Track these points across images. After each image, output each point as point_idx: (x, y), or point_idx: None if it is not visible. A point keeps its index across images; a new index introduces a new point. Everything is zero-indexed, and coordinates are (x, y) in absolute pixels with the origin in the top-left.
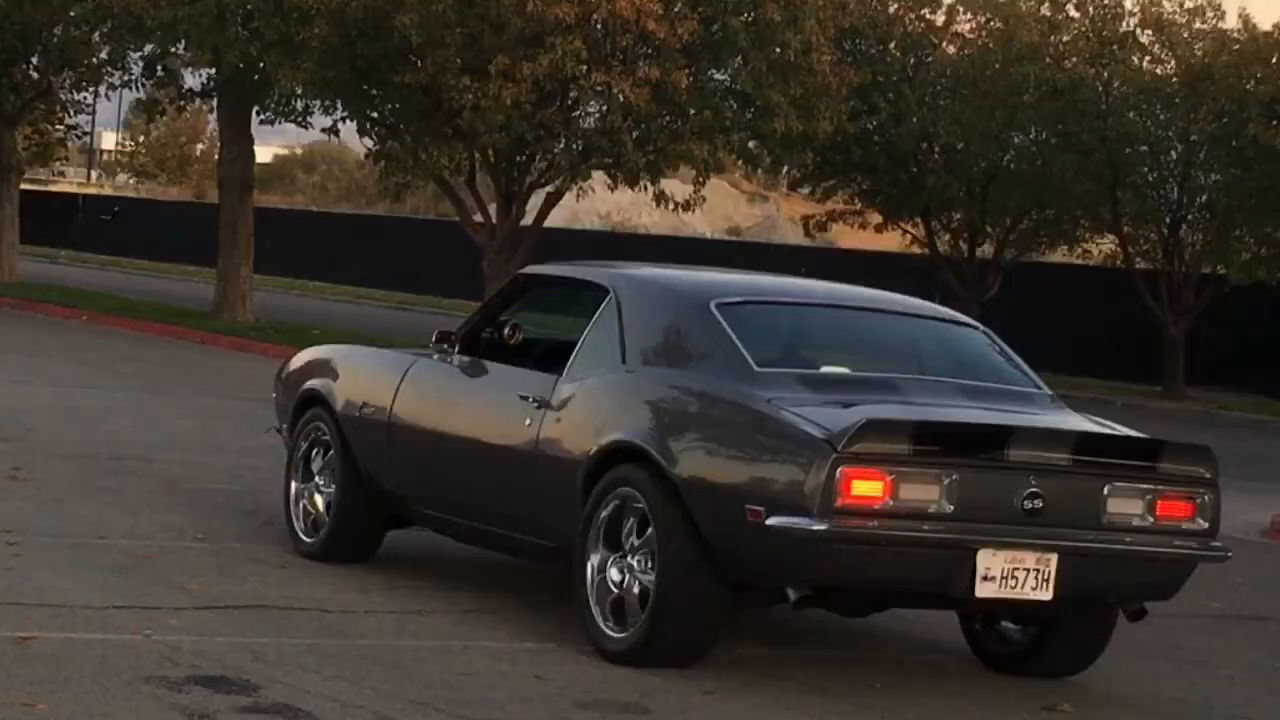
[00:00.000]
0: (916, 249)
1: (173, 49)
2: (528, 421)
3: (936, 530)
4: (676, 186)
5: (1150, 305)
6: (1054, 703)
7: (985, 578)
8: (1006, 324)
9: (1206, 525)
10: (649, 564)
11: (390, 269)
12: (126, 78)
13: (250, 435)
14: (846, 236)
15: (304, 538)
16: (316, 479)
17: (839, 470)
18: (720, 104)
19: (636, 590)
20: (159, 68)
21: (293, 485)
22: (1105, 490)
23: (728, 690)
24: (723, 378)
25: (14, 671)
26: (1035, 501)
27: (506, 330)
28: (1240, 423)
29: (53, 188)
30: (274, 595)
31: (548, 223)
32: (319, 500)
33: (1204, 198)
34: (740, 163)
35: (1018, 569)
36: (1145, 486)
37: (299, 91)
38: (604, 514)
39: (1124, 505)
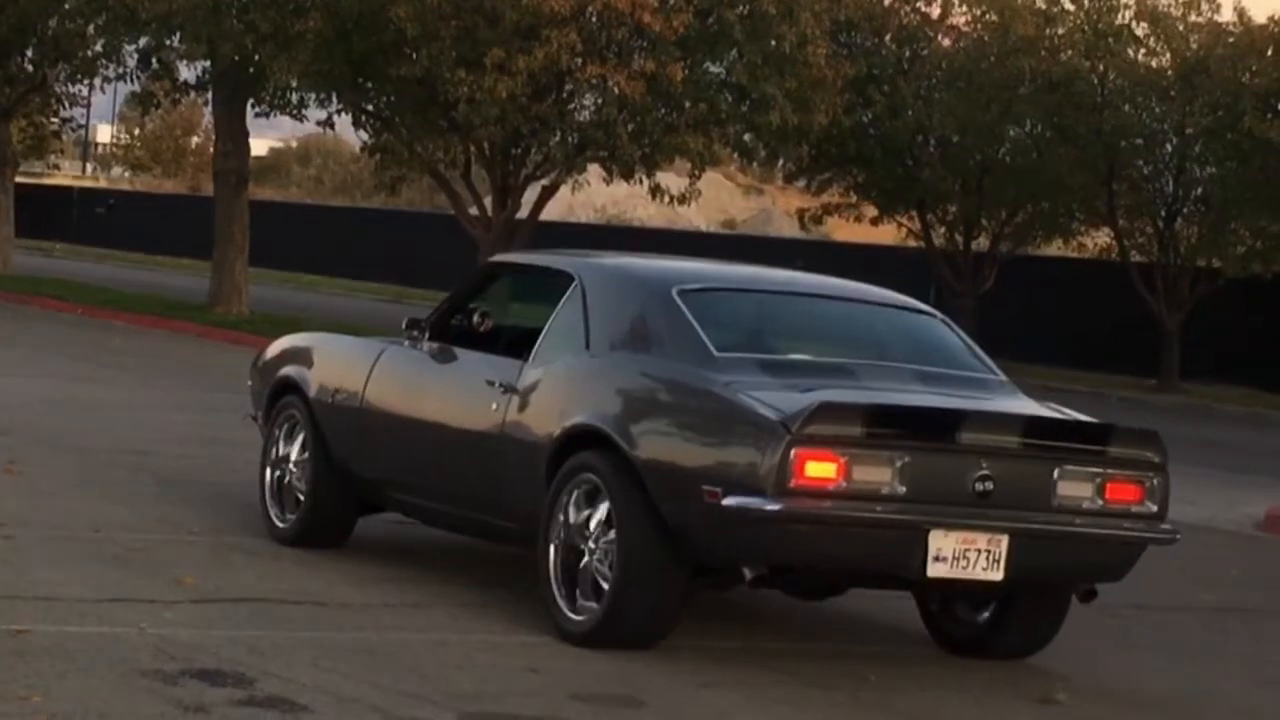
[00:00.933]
0: (912, 242)
1: (167, 41)
2: (494, 406)
3: (889, 511)
4: (672, 179)
5: (1145, 298)
6: (1049, 694)
7: (937, 558)
8: (1001, 317)
9: (1155, 508)
10: (610, 545)
11: (386, 262)
12: (121, 70)
13: (245, 428)
14: (842, 229)
15: (278, 523)
16: (291, 465)
17: (793, 452)
18: (715, 97)
19: (597, 571)
20: (154, 60)
21: (268, 471)
22: (1055, 473)
23: (723, 683)
24: (683, 362)
25: (9, 664)
26: (986, 484)
27: (475, 317)
28: (1235, 415)
29: (47, 181)
30: (269, 588)
31: (543, 216)
32: (293, 486)
33: (1199, 191)
34: (735, 156)
35: (969, 550)
36: (1095, 470)
37: (294, 84)
38: (566, 496)
39: (1074, 488)
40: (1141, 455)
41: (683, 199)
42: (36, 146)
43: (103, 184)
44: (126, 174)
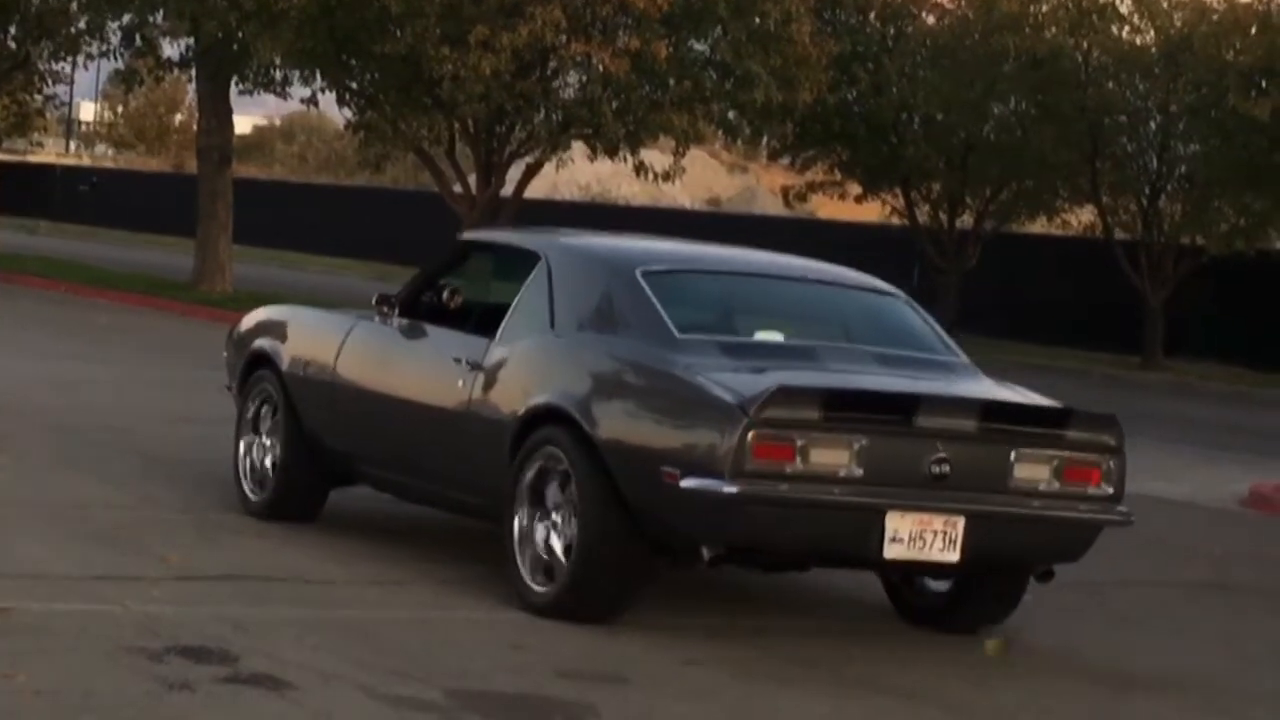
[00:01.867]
0: (896, 220)
1: (151, 18)
2: (460, 383)
3: (846, 493)
4: (656, 157)
5: (1129, 276)
6: (1029, 673)
7: (894, 539)
8: (986, 295)
9: (1112, 490)
10: (571, 522)
11: (370, 240)
12: (105, 47)
13: (229, 406)
14: (826, 207)
15: (251, 496)
16: (264, 438)
17: (750, 435)
18: (700, 74)
19: (559, 547)
20: (137, 37)
21: (241, 444)
22: (1012, 456)
23: (707, 660)
24: (645, 343)
25: None
26: (943, 467)
27: (445, 294)
28: (1218, 393)
29: (31, 158)
30: (254, 565)
31: (527, 194)
32: (266, 459)
33: (1183, 168)
34: (720, 133)
35: (925, 531)
36: (1052, 453)
37: (278, 62)
38: (530, 473)
39: (1031, 471)
40: (1098, 439)
41: (667, 177)
42: (19, 124)
43: (86, 162)
44: (110, 152)
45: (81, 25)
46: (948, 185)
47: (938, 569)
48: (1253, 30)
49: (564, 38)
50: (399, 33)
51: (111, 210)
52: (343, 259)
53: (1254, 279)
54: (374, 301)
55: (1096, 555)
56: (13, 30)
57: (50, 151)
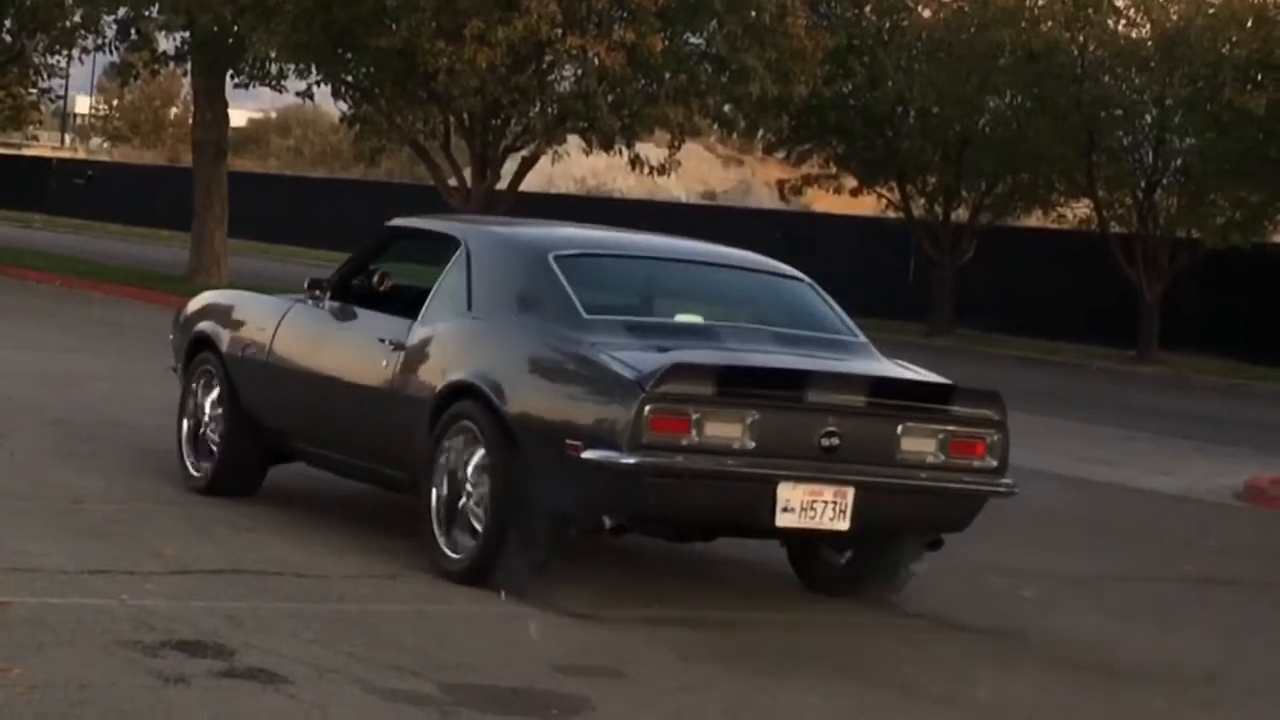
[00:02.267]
0: (891, 213)
1: (146, 12)
2: (384, 362)
3: (738, 465)
4: (651, 150)
5: (1125, 269)
6: (1025, 666)
7: (785, 509)
8: (981, 288)
9: (995, 463)
10: (484, 492)
11: (364, 233)
12: (100, 41)
13: None
14: (821, 200)
15: (193, 471)
16: (206, 416)
17: (646, 409)
18: (695, 68)
19: (472, 517)
20: (133, 31)
21: (184, 422)
22: (899, 430)
23: (703, 654)
24: (554, 323)
25: None
26: (832, 440)
27: (374, 278)
28: (1214, 386)
29: (26, 152)
30: (249, 559)
31: (523, 187)
32: (208, 436)
33: (1179, 162)
34: (715, 127)
35: (816, 501)
36: (937, 427)
37: (273, 55)
38: (446, 446)
39: (917, 444)
40: (982, 414)
41: (662, 170)
42: (15, 117)
43: (82, 155)
44: (105, 145)
45: (77, 19)
46: (943, 179)
47: (828, 537)
48: (1248, 24)
49: (559, 31)
50: (394, 26)
51: (107, 203)
52: (339, 252)
53: (1250, 272)
54: (306, 286)
55: (1092, 548)
56: (8, 24)
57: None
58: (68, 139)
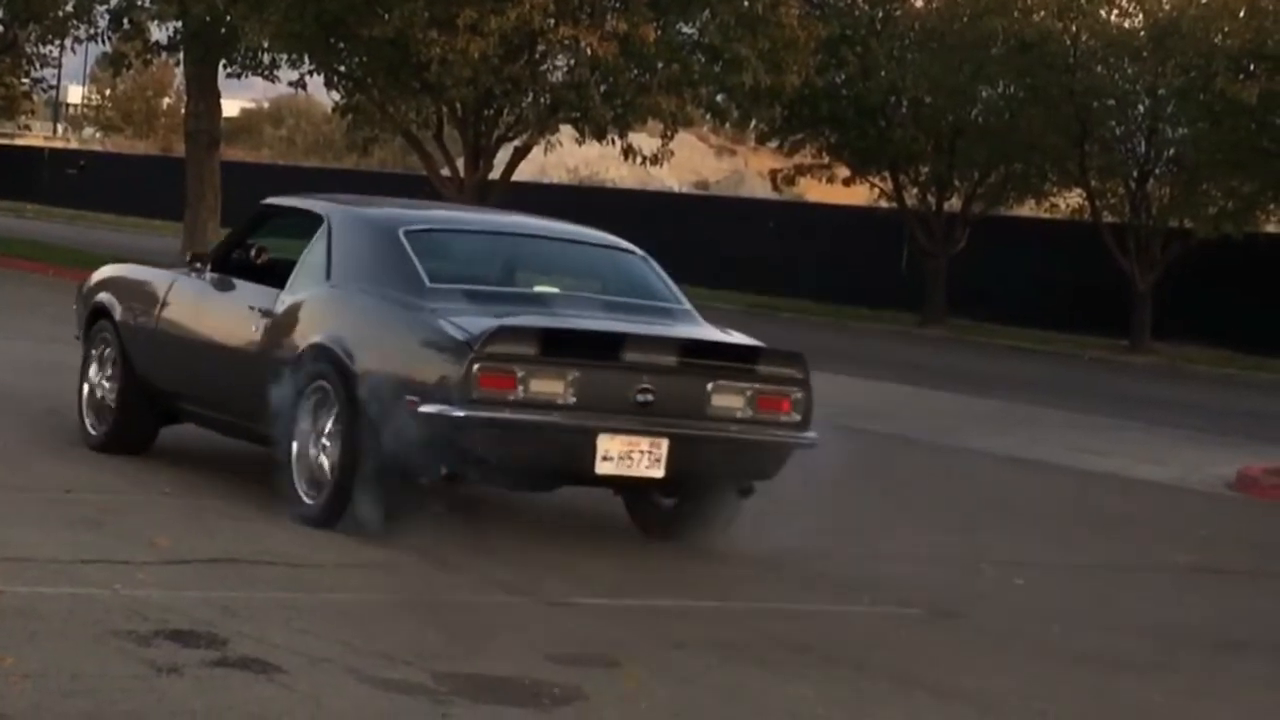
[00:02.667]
0: (884, 203)
1: (139, 2)
2: (254, 328)
3: (561, 418)
4: (644, 140)
5: (1117, 259)
6: (1017, 655)
7: (605, 458)
8: (974, 278)
9: (799, 418)
10: (336, 444)
11: None
12: (92, 31)
13: None
14: (814, 190)
15: (91, 431)
16: (103, 380)
17: (474, 367)
18: (688, 58)
19: (326, 465)
20: (125, 21)
21: (84, 386)
22: (710, 387)
23: (697, 643)
24: (401, 292)
25: None
26: (647, 395)
27: (250, 252)
28: (1206, 376)
29: (18, 141)
30: (242, 549)
31: (515, 177)
32: (105, 399)
33: (1171, 151)
34: (708, 117)
35: (633, 451)
36: (745, 385)
37: (266, 45)
38: (305, 403)
39: (726, 400)
40: (786, 373)
41: (655, 160)
42: (7, 107)
43: (74, 145)
44: (98, 134)
45: (69, 8)
46: (936, 168)
47: (646, 484)
48: (1241, 14)
49: (552, 21)
50: (387, 16)
51: (99, 193)
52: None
53: (1242, 262)
54: (188, 259)
55: (1084, 537)
56: (0, 14)
57: (38, 135)
58: (60, 129)
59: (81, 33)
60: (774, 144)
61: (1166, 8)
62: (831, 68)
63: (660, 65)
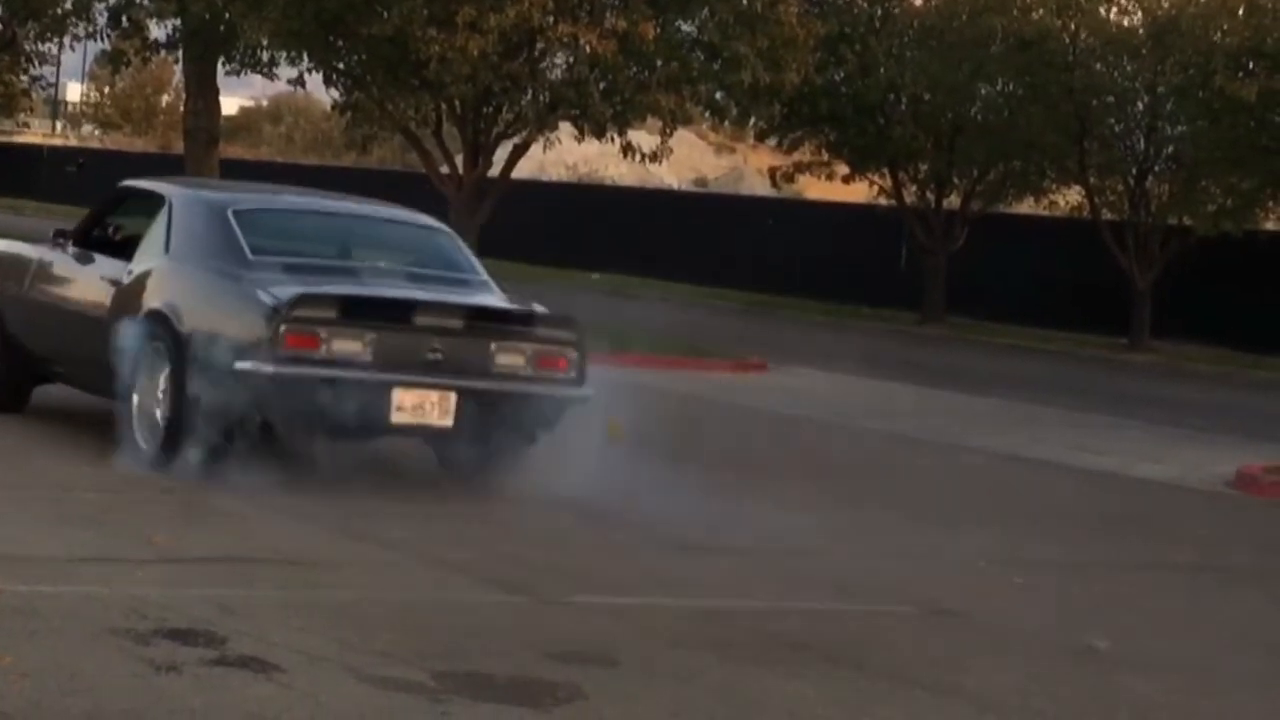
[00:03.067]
0: (883, 200)
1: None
2: (105, 297)
3: (359, 374)
4: (643, 138)
5: (1116, 257)
6: (1016, 654)
7: (399, 409)
8: (973, 276)
9: (575, 375)
10: (168, 398)
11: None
12: (91, 28)
13: None
14: (813, 188)
15: None
16: None
17: (281, 328)
18: (687, 55)
19: (160, 416)
20: (124, 18)
21: None
22: (493, 347)
23: (695, 642)
24: (226, 264)
25: None
26: (437, 354)
27: (106, 229)
28: (1205, 374)
29: (17, 139)
30: (241, 547)
31: (514, 174)
32: None
33: (1170, 149)
34: (707, 114)
35: (425, 403)
36: (525, 345)
37: (265, 43)
38: (144, 362)
39: (509, 358)
40: (562, 335)
41: (654, 157)
42: (6, 105)
43: (73, 142)
44: (97, 132)
45: (68, 6)
46: (935, 166)
47: (437, 432)
48: (1240, 12)
49: (551, 19)
50: (386, 14)
51: (98, 191)
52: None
53: (1241, 259)
54: (52, 235)
55: (1083, 536)
56: None
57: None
58: (59, 126)
59: (80, 30)
60: (773, 142)
61: (1165, 5)
62: (831, 65)
63: (659, 63)
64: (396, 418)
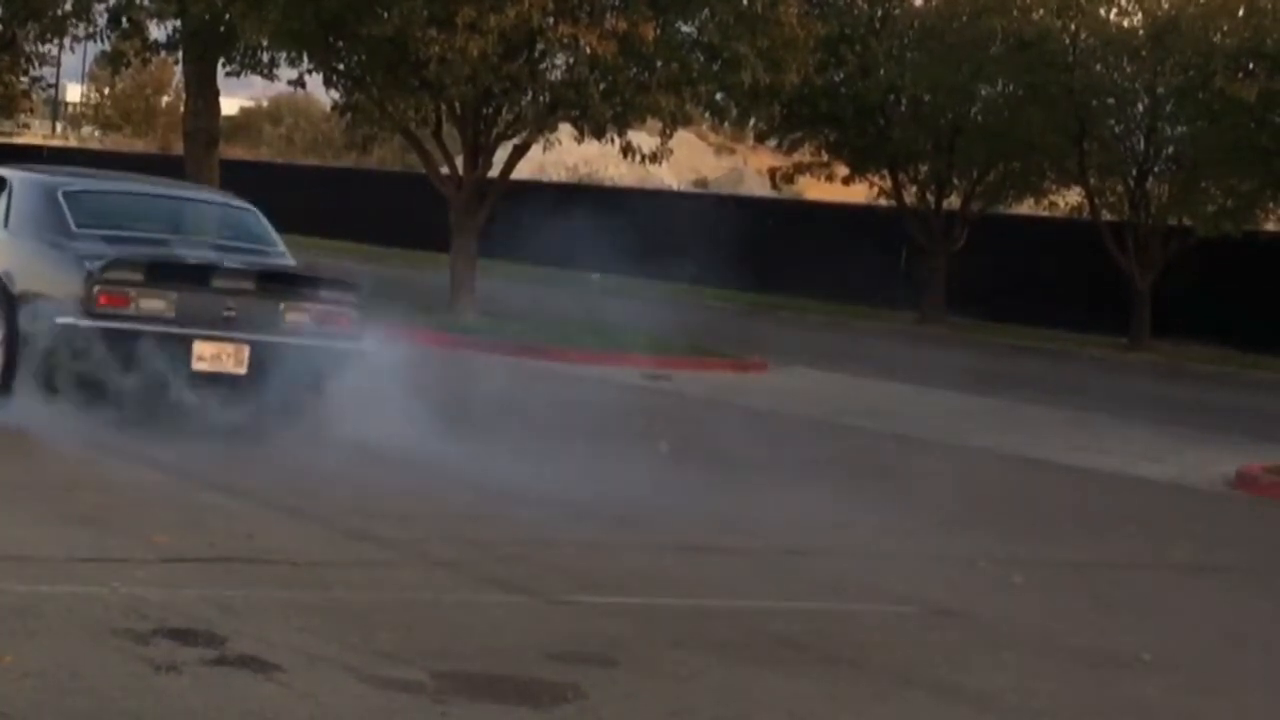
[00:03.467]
0: (883, 201)
1: (137, 0)
2: None
3: (165, 328)
4: (643, 139)
5: (1116, 257)
6: (1016, 654)
7: (199, 359)
8: (973, 276)
9: (354, 333)
10: (2, 351)
11: (358, 221)
12: (91, 29)
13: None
14: (813, 189)
15: None
16: None
17: (95, 289)
18: (687, 56)
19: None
20: (124, 19)
21: None
22: (281, 306)
23: (694, 641)
24: (54, 235)
25: None
26: (231, 312)
27: None
28: (1205, 374)
29: (17, 140)
30: (241, 547)
31: (514, 175)
32: None
33: (1170, 150)
34: (707, 115)
35: (221, 354)
36: (310, 305)
37: (264, 43)
38: None
39: (295, 317)
40: (344, 297)
41: (654, 158)
42: (6, 105)
43: (73, 143)
44: (97, 133)
45: (68, 7)
46: (935, 167)
47: (233, 379)
48: (1240, 12)
49: (551, 19)
50: (386, 14)
51: None
52: (329, 240)
53: (1241, 260)
54: None
55: (1084, 535)
56: None
57: (36, 133)
58: (59, 127)
59: (80, 31)
60: (773, 142)
61: (1165, 6)
62: (831, 66)
63: (659, 64)
64: (197, 366)
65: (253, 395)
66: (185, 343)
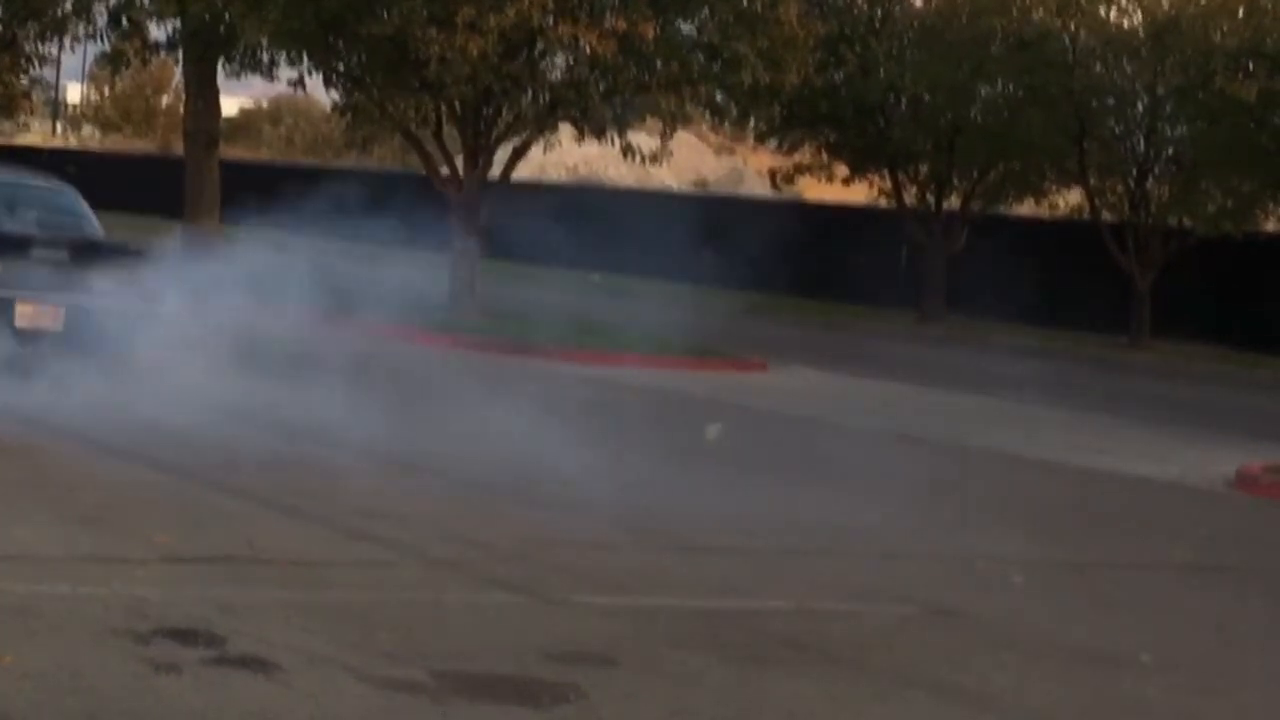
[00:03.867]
0: (883, 202)
1: (137, 1)
2: None
3: None
4: (643, 139)
5: (1116, 257)
6: (1017, 654)
7: (21, 316)
8: (973, 277)
9: (158, 297)
10: None
11: (357, 221)
12: (91, 29)
13: (242, 384)
14: (813, 189)
15: None
16: None
17: None
18: (687, 56)
19: None
20: (124, 19)
21: None
22: (89, 272)
23: (695, 642)
24: None
25: None
26: (49, 277)
27: None
28: (1205, 374)
29: (17, 140)
30: (241, 547)
31: (514, 175)
32: None
33: (1170, 150)
34: (707, 115)
35: (39, 313)
36: (116, 271)
37: (264, 43)
38: None
39: (104, 282)
40: (142, 264)
41: (654, 159)
42: (5, 106)
43: (73, 144)
44: (96, 134)
45: (68, 7)
46: (935, 167)
47: (51, 335)
48: (1240, 12)
49: (551, 19)
50: (386, 14)
51: (98, 192)
52: (329, 240)
53: (1241, 260)
54: None
55: (1083, 535)
56: None
57: (36, 134)
58: (59, 128)
59: (80, 31)
60: (773, 143)
61: (1165, 6)
62: (830, 66)
63: (659, 64)
64: (20, 323)
65: (68, 350)
66: (9, 304)
